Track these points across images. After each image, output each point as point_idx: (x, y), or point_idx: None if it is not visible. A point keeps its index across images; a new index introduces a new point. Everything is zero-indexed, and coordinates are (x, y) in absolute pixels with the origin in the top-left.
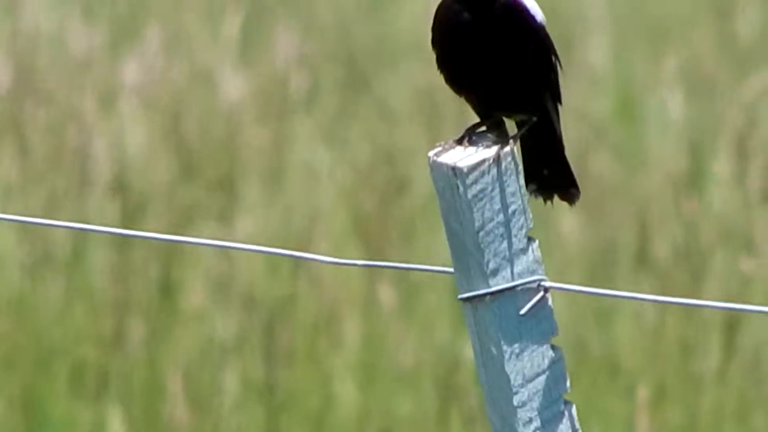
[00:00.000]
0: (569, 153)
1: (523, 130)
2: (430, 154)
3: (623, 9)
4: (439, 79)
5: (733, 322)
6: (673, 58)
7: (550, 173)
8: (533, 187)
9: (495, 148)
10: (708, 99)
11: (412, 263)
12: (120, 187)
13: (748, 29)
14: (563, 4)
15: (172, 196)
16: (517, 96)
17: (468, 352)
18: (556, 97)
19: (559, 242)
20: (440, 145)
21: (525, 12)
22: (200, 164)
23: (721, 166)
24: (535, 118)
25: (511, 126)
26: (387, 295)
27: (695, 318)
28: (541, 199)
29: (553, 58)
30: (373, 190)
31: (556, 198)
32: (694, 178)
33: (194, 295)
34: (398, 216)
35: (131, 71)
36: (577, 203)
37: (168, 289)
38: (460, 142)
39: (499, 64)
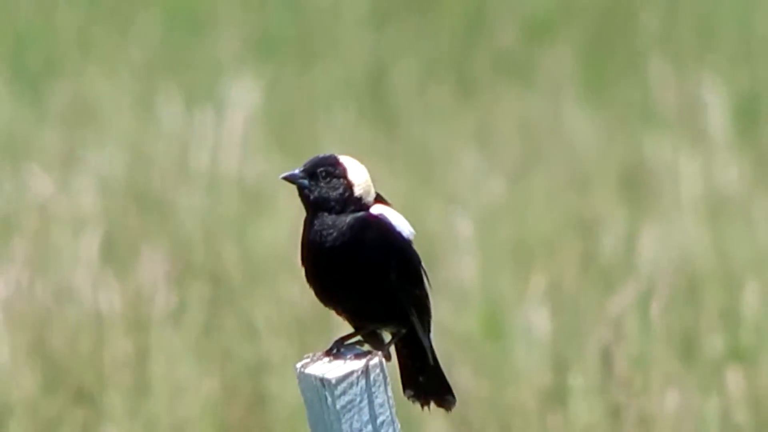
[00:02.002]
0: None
1: (391, 342)
2: (298, 365)
3: (490, 227)
4: (304, 293)
5: None
6: (539, 276)
7: (425, 381)
8: (410, 392)
9: (363, 360)
10: (573, 314)
11: None
12: None
13: (611, 245)
14: (430, 224)
15: (35, 409)
16: (381, 310)
17: None
18: (424, 312)
19: None
20: (308, 357)
21: (387, 228)
22: (65, 376)
23: (583, 380)
24: (404, 330)
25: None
26: None
27: None
28: (417, 405)
29: (421, 274)
30: (239, 402)
31: (432, 405)
32: (559, 392)
33: None
34: (264, 429)
35: None
36: (448, 412)
37: None
38: (328, 353)
39: (360, 280)
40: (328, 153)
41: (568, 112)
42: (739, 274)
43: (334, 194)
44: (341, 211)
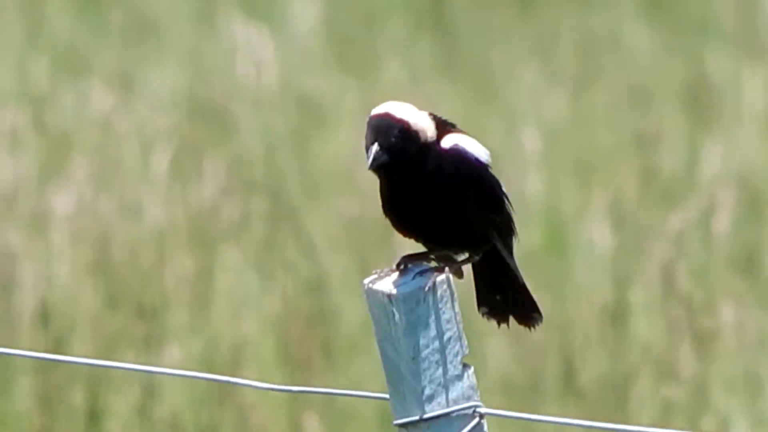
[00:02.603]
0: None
1: (464, 262)
2: (366, 281)
3: (551, 143)
4: (365, 209)
5: None
6: (600, 191)
7: (503, 299)
8: (485, 310)
9: (432, 276)
10: (634, 230)
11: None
12: (46, 315)
13: (672, 160)
14: (491, 139)
15: (97, 324)
16: (461, 238)
17: None
18: (507, 234)
19: (486, 370)
20: (376, 273)
21: (462, 158)
22: (127, 293)
23: (644, 296)
24: (478, 256)
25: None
26: (313, 423)
27: None
28: (490, 323)
29: (502, 198)
30: (300, 319)
31: (513, 322)
32: (620, 309)
33: (119, 422)
34: (325, 345)
35: (61, 201)
36: (532, 330)
37: (93, 416)
38: (396, 269)
39: (439, 214)
40: (381, 112)
41: (628, 27)
42: None
43: (412, 148)
44: (420, 154)
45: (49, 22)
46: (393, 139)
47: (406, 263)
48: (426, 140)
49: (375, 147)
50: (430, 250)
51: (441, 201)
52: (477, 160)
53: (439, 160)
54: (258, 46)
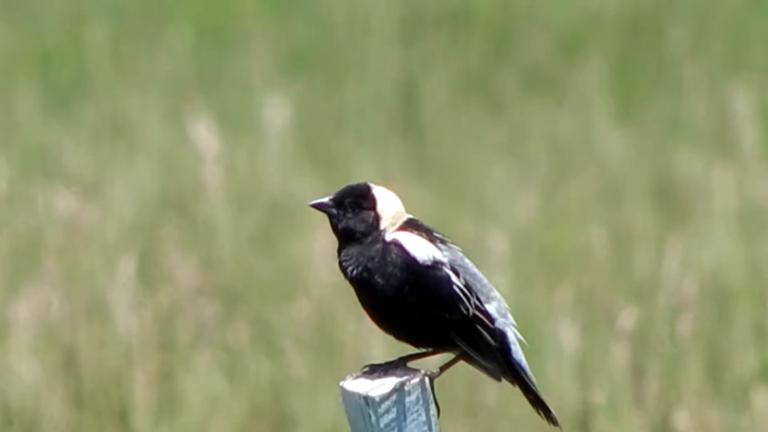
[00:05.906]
0: (463, 381)
1: (450, 363)
2: (342, 383)
3: (522, 241)
4: (330, 310)
5: None
6: (566, 290)
7: (534, 398)
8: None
9: (407, 378)
10: (603, 328)
11: None
12: (10, 418)
13: (642, 259)
14: (462, 238)
15: (63, 427)
16: (420, 335)
17: None
18: (474, 335)
19: None
20: (352, 376)
21: (400, 255)
22: (93, 395)
23: (610, 398)
24: (459, 353)
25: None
26: None
27: None
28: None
29: (454, 298)
30: (266, 422)
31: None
32: (587, 410)
33: None
34: None
35: (27, 303)
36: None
37: None
38: (375, 369)
39: (387, 308)
40: (361, 181)
41: (598, 126)
42: None
43: (360, 226)
44: (366, 242)
45: (20, 123)
46: (349, 201)
47: (375, 367)
48: (377, 227)
49: (329, 195)
50: (417, 346)
51: (381, 293)
52: (413, 257)
53: (380, 251)
54: (228, 147)
